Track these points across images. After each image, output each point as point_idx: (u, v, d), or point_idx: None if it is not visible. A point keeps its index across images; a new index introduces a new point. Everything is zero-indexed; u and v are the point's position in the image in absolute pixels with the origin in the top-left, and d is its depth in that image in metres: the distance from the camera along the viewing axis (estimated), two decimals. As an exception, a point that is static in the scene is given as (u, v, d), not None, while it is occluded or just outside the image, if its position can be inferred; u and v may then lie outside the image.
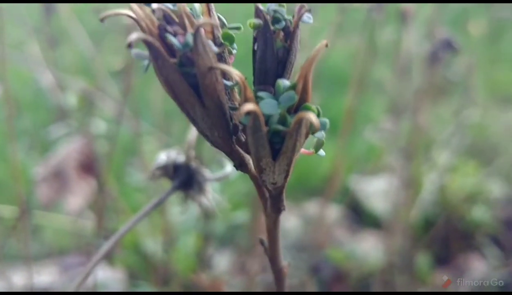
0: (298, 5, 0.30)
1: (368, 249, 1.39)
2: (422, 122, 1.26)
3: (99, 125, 1.16)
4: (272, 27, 0.30)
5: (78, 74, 1.39)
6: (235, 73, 0.27)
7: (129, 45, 0.26)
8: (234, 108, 0.31)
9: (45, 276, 1.29)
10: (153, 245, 1.19)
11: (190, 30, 0.28)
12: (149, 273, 1.19)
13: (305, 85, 0.28)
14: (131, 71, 1.00)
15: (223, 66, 0.28)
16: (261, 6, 0.30)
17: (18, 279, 1.21)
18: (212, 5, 0.30)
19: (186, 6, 0.28)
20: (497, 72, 1.66)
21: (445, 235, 1.32)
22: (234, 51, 0.31)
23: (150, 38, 0.27)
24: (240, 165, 0.33)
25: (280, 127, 0.27)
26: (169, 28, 0.28)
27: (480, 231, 1.38)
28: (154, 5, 0.28)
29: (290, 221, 1.48)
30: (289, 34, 0.31)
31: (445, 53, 0.98)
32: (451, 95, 1.68)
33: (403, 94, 1.45)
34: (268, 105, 0.27)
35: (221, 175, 0.47)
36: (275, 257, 0.37)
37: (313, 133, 0.29)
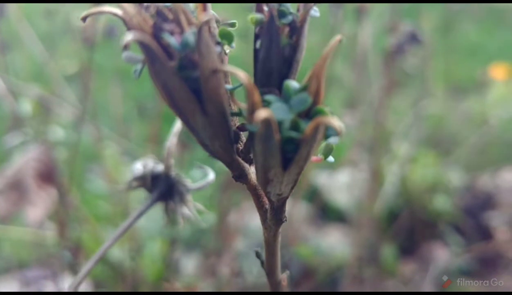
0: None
1: (334, 244, 1.40)
2: (382, 115, 1.28)
3: (57, 132, 1.12)
4: (277, 22, 0.27)
5: (31, 80, 1.34)
6: (242, 75, 0.24)
7: (125, 47, 0.24)
8: (236, 114, 0.28)
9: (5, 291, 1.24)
10: (119, 253, 1.16)
11: (187, 29, 0.25)
12: (116, 282, 1.16)
13: (318, 86, 0.26)
14: (89, 75, 0.97)
15: (229, 67, 0.25)
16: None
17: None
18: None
19: (181, 4, 0.25)
20: (451, 63, 1.70)
21: (409, 226, 1.34)
22: (227, 51, 0.29)
23: (147, 39, 0.24)
24: (239, 175, 0.30)
25: (294, 134, 0.25)
26: (166, 26, 0.25)
27: (442, 219, 1.41)
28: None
29: (255, 220, 1.48)
30: (296, 29, 0.28)
31: (409, 46, 0.99)
32: (407, 87, 1.71)
33: (362, 88, 1.47)
34: (280, 110, 0.25)
35: (203, 183, 0.44)
36: (273, 271, 0.35)
37: (326, 138, 0.26)
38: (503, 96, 1.42)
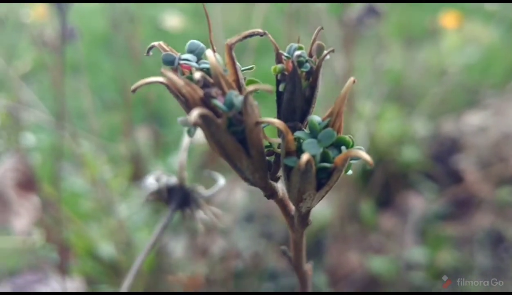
0: (315, 43, 0.34)
1: (314, 207, 1.44)
2: (346, 76, 1.31)
3: (28, 139, 1.12)
4: (299, 72, 0.33)
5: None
6: (278, 122, 0.30)
7: (195, 124, 0.28)
8: (267, 147, 0.33)
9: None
10: (107, 248, 1.17)
11: (226, 89, 0.30)
12: (110, 277, 1.17)
13: (340, 122, 0.32)
14: (61, 78, 0.96)
15: (267, 119, 0.30)
16: (283, 52, 0.33)
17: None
18: (234, 54, 0.32)
19: (219, 66, 0.30)
20: (400, 15, 1.74)
21: (383, 180, 1.39)
22: None
23: (207, 112, 0.29)
24: (271, 194, 0.35)
25: (327, 165, 0.31)
26: (212, 92, 0.29)
27: (413, 169, 1.47)
28: (197, 75, 0.29)
29: (236, 194, 1.50)
30: (312, 73, 0.34)
31: (369, 19, 1.02)
32: (362, 44, 1.74)
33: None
34: (311, 146, 0.30)
35: (216, 189, 0.48)
36: (300, 265, 0.40)
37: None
38: (457, 43, 1.46)
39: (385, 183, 1.41)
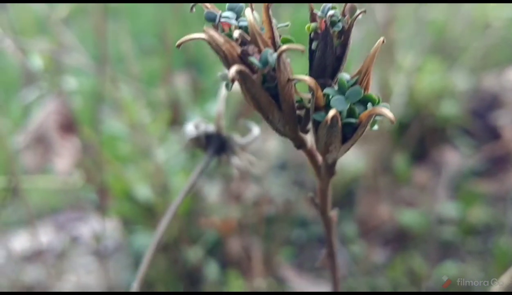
0: (348, 4, 0.34)
1: (347, 159, 1.45)
2: (388, 26, 1.28)
3: (70, 82, 1.14)
4: (331, 31, 0.34)
5: (32, 32, 1.34)
6: (308, 79, 0.32)
7: (233, 80, 0.31)
8: (298, 102, 0.36)
9: (41, 237, 1.30)
10: (144, 190, 1.21)
11: (262, 47, 0.32)
12: (145, 219, 1.21)
13: (368, 80, 0.33)
14: (100, 18, 0.96)
15: (299, 76, 0.33)
16: (317, 12, 0.34)
17: (20, 243, 1.23)
18: (271, 12, 0.34)
19: (256, 26, 0.32)
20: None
21: (419, 134, 1.38)
22: None
23: (243, 69, 0.31)
24: (300, 145, 0.38)
25: (353, 120, 0.33)
26: (249, 50, 0.31)
27: (450, 124, 1.44)
28: (236, 33, 0.32)
29: (270, 143, 1.52)
30: (344, 32, 0.35)
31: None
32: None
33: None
34: (339, 102, 0.32)
35: (251, 138, 0.51)
36: (326, 211, 0.43)
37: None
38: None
39: (422, 137, 1.40)
